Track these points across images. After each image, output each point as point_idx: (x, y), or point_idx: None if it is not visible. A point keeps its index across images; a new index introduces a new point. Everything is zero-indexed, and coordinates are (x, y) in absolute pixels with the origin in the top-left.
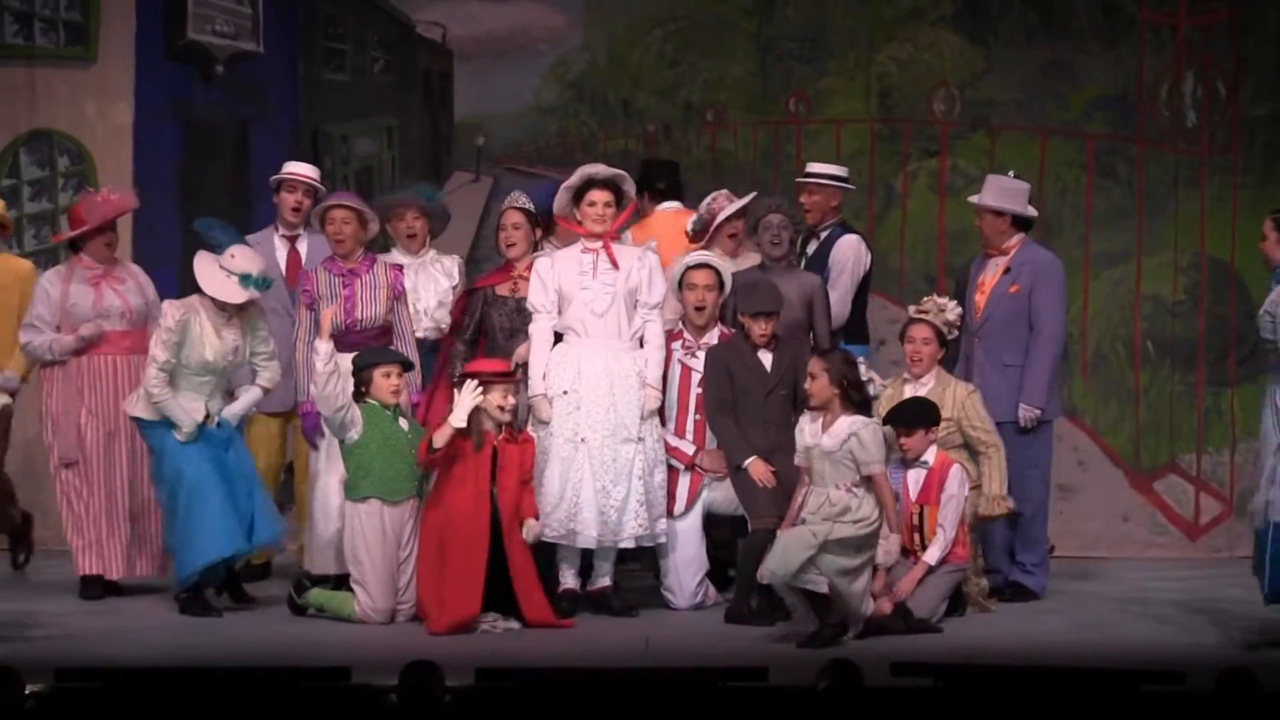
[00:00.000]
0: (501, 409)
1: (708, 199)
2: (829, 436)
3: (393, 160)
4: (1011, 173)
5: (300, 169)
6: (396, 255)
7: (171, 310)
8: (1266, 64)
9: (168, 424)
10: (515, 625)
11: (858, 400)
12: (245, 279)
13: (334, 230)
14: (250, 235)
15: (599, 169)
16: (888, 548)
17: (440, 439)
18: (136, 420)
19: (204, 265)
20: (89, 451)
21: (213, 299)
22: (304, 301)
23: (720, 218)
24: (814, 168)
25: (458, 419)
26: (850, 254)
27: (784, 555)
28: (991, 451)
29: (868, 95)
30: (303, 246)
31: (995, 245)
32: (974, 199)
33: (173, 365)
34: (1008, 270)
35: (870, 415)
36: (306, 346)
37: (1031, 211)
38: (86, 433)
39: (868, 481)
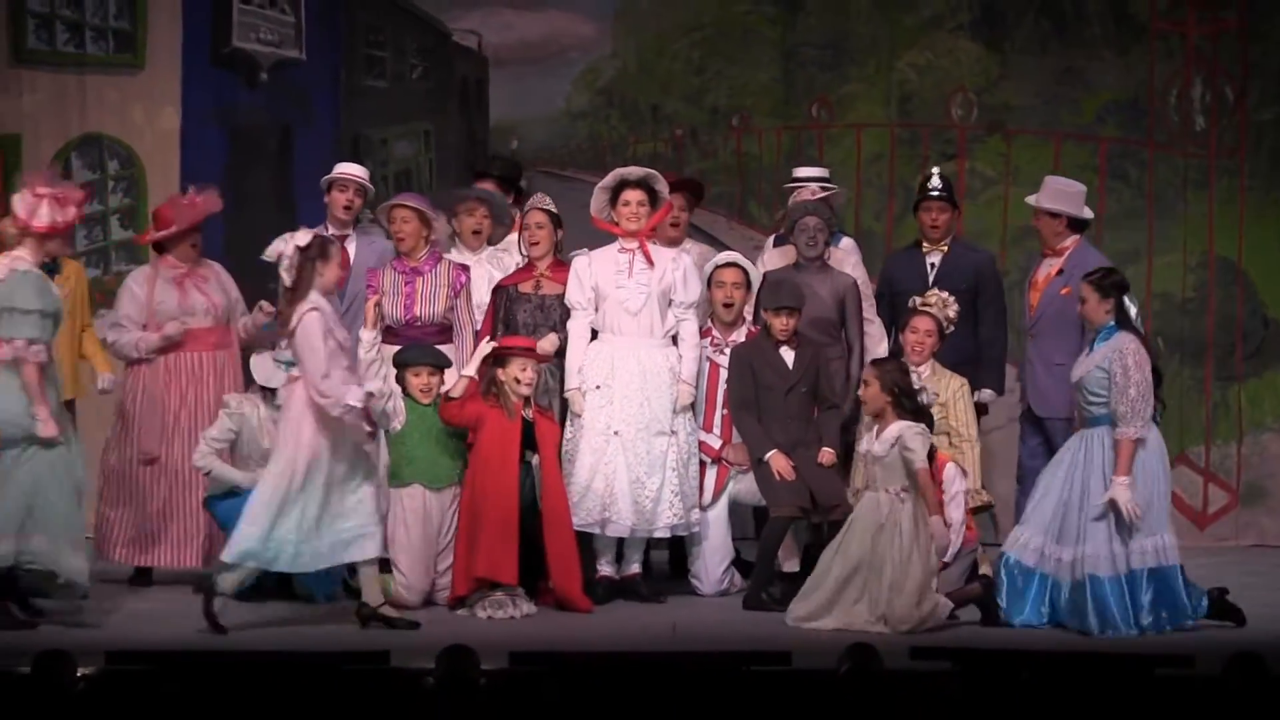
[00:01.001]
0: (518, 381)
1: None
2: (879, 443)
3: (430, 163)
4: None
5: (351, 169)
6: (454, 252)
7: (233, 399)
8: (1273, 70)
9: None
10: (533, 610)
11: (911, 408)
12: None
13: (395, 229)
14: None
15: (632, 170)
16: (932, 530)
17: (456, 390)
18: (208, 503)
19: (258, 360)
20: (174, 446)
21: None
22: (369, 296)
23: (792, 201)
24: (801, 172)
25: (469, 369)
26: (856, 252)
27: None
28: (965, 446)
29: (888, 100)
30: (351, 246)
31: (1051, 246)
32: (1031, 199)
33: (221, 445)
34: (1061, 272)
35: (924, 422)
36: None
37: (1088, 213)
38: (173, 428)
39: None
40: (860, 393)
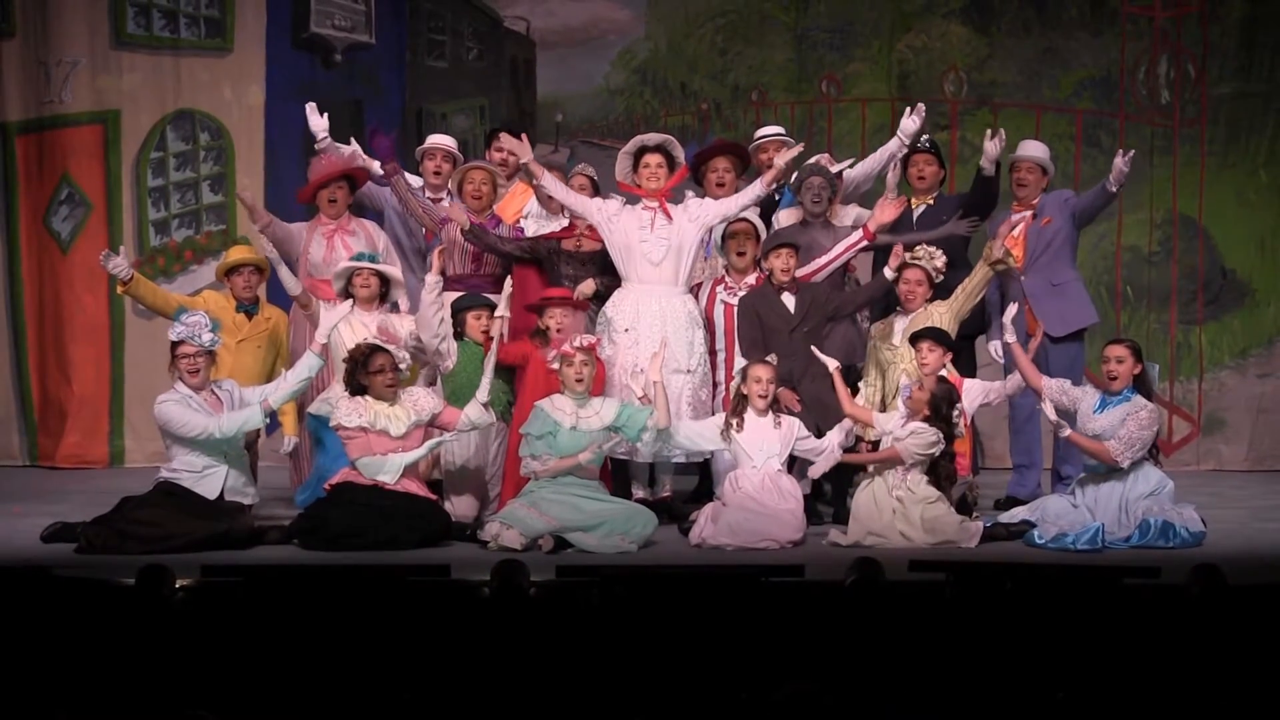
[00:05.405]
0: (549, 328)
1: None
2: (902, 429)
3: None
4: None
5: (439, 140)
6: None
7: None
8: (1230, 50)
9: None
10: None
11: (939, 425)
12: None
13: (472, 189)
14: None
15: (651, 136)
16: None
17: (494, 330)
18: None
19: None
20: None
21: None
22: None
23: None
24: (767, 130)
25: (501, 309)
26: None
27: None
28: (974, 272)
29: (888, 78)
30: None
31: (1031, 198)
32: (1022, 154)
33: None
34: (1035, 215)
35: (949, 436)
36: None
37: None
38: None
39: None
40: (913, 390)
